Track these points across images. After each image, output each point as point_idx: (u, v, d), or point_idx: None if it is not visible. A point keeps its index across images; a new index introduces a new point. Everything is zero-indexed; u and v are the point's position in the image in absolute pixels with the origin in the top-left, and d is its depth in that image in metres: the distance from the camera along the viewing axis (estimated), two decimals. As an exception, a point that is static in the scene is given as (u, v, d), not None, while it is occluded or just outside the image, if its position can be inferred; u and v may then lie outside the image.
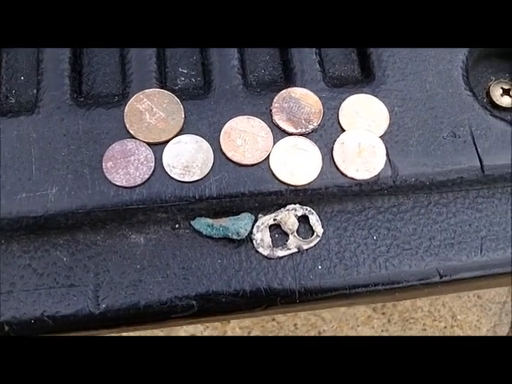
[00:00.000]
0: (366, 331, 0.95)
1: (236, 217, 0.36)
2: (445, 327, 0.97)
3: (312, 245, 0.36)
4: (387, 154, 0.37)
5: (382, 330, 0.96)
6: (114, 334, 0.37)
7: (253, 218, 0.36)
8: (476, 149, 0.37)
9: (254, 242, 0.36)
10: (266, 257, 0.36)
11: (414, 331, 0.96)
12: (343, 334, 0.95)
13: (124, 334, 0.89)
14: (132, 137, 0.36)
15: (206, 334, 0.92)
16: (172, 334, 0.92)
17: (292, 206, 0.36)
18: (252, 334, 0.93)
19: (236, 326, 0.94)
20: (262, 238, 0.36)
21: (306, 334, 0.94)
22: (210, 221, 0.36)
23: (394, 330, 0.96)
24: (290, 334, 0.94)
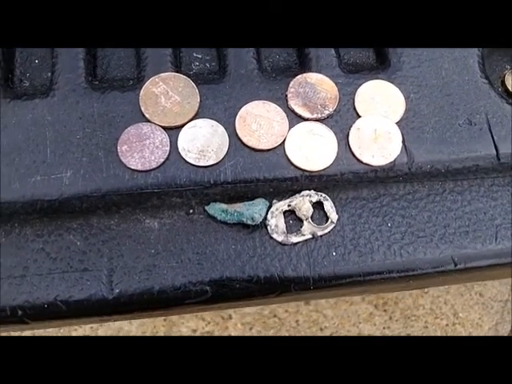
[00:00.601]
0: (367, 328, 0.95)
1: (250, 202, 0.36)
2: (446, 325, 0.97)
3: (326, 231, 0.36)
4: (403, 141, 0.37)
5: (384, 328, 0.95)
6: (127, 319, 0.37)
7: (267, 203, 0.36)
8: (492, 136, 0.37)
9: (269, 227, 0.36)
10: (280, 243, 0.36)
11: (416, 328, 0.96)
12: (345, 331, 0.94)
13: (124, 334, 0.88)
14: (147, 120, 0.36)
15: (207, 329, 0.92)
16: (174, 329, 0.91)
17: (307, 191, 0.36)
18: (253, 330, 0.93)
19: (238, 322, 0.93)
20: (277, 223, 0.36)
21: (308, 331, 0.94)
22: (224, 206, 0.35)
23: (396, 328, 0.96)
24: (292, 331, 0.93)
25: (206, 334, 0.92)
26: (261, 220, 0.35)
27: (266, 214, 0.36)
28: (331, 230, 0.36)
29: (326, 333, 0.95)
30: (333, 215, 0.36)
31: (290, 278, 0.35)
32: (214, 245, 0.35)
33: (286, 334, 0.93)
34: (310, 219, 0.36)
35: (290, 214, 0.36)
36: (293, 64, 0.40)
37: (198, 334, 0.92)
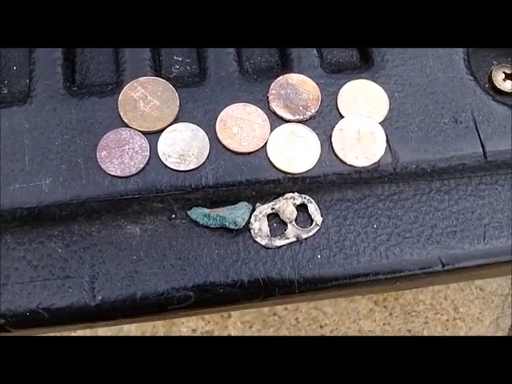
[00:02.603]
0: (367, 325, 0.95)
1: (233, 206, 0.35)
2: (447, 320, 0.96)
3: (311, 234, 0.35)
4: (387, 141, 0.36)
5: (384, 324, 0.95)
6: (110, 326, 0.37)
7: (250, 207, 0.35)
8: (478, 134, 0.37)
9: (252, 231, 0.35)
10: (264, 246, 0.35)
11: (416, 324, 0.95)
12: (345, 328, 0.94)
13: (124, 335, 0.88)
14: (126, 126, 0.35)
15: (207, 328, 0.92)
16: (173, 329, 0.91)
17: (290, 194, 0.36)
18: (253, 329, 0.92)
19: (237, 321, 0.93)
20: (260, 227, 0.35)
21: (308, 328, 0.93)
22: (206, 210, 0.35)
23: (396, 324, 0.95)
24: (292, 329, 0.93)
25: (205, 334, 0.92)
26: (243, 224, 0.35)
27: (250, 217, 0.35)
28: (316, 232, 0.36)
29: (326, 330, 0.94)
30: (317, 217, 0.36)
31: (274, 282, 0.35)
32: (196, 250, 0.35)
33: (286, 332, 0.93)
34: (294, 222, 0.35)
35: (274, 217, 0.36)
36: (275, 65, 0.39)
37: (197, 333, 0.92)
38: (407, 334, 0.95)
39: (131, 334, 0.90)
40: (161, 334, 0.91)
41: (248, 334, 0.92)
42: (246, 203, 0.35)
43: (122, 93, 0.36)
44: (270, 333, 0.93)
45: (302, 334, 0.93)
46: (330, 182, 0.36)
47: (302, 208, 0.36)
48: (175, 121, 0.36)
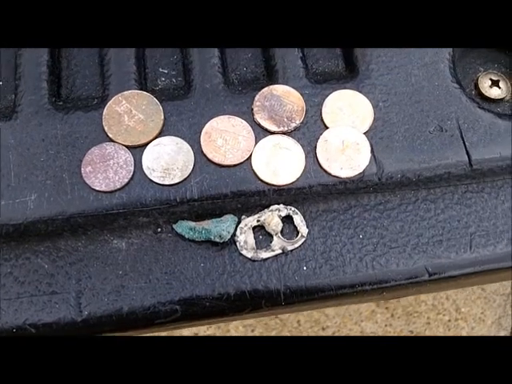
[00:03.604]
0: (369, 326, 0.95)
1: (219, 219, 0.35)
2: (449, 320, 0.96)
3: (297, 245, 0.35)
4: (372, 151, 0.36)
5: (386, 325, 0.95)
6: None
7: (236, 219, 0.35)
8: (464, 143, 0.36)
9: (238, 244, 0.35)
10: (249, 259, 0.35)
11: (418, 325, 0.95)
12: (347, 330, 0.94)
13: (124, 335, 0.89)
14: (111, 140, 0.35)
15: (208, 332, 0.92)
16: (174, 333, 0.91)
17: (276, 206, 0.36)
18: (255, 332, 0.93)
19: (239, 325, 0.93)
20: (246, 239, 0.35)
21: (310, 331, 0.93)
22: (192, 224, 0.35)
23: (398, 325, 0.95)
24: (294, 331, 0.93)
25: (207, 338, 0.92)
26: (229, 237, 0.35)
27: (235, 230, 0.35)
28: (302, 244, 0.36)
29: (328, 332, 0.94)
30: (303, 229, 0.35)
31: (260, 295, 0.35)
32: (182, 263, 0.35)
33: (288, 335, 0.93)
34: (279, 234, 0.35)
35: (260, 230, 0.36)
36: (260, 76, 0.39)
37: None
38: (409, 335, 0.95)
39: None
40: (162, 338, 0.91)
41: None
42: (232, 216, 0.35)
43: (106, 107, 0.36)
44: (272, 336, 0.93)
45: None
46: (316, 193, 0.36)
47: (287, 220, 0.36)
48: (160, 134, 0.36)
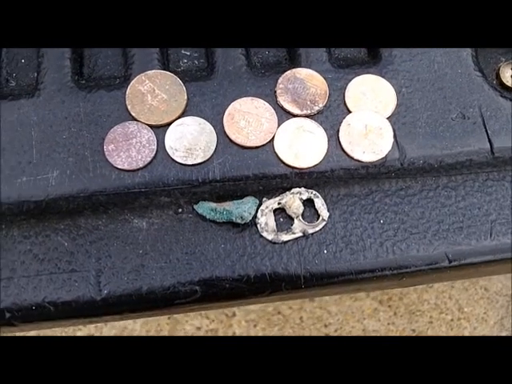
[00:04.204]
0: (372, 324, 0.95)
1: (240, 200, 0.35)
2: (451, 320, 0.96)
3: (317, 229, 0.35)
4: (394, 136, 0.36)
5: (389, 323, 0.95)
6: (115, 320, 0.37)
7: (257, 201, 0.35)
8: (486, 130, 0.36)
9: (259, 226, 0.35)
10: (270, 241, 0.35)
11: (421, 324, 0.95)
12: (349, 327, 0.94)
13: (129, 332, 0.88)
14: (134, 119, 0.35)
15: (211, 327, 0.92)
16: (178, 327, 0.91)
17: (297, 189, 0.36)
18: (258, 327, 0.92)
19: (242, 319, 0.93)
20: (267, 222, 0.35)
21: (312, 327, 0.93)
22: (213, 205, 0.35)
23: (401, 323, 0.95)
24: (296, 327, 0.93)
25: (210, 332, 0.92)
26: (250, 218, 0.35)
27: (256, 212, 0.35)
28: (322, 227, 0.35)
29: (331, 329, 0.94)
30: (324, 213, 0.35)
31: (280, 277, 0.35)
32: (203, 244, 0.35)
33: (290, 331, 0.93)
34: (300, 217, 0.35)
35: (281, 212, 0.36)
36: (282, 59, 0.39)
37: (202, 331, 0.92)
38: (411, 334, 0.95)
39: (135, 332, 0.90)
40: (165, 332, 0.91)
41: (252, 332, 0.92)
42: (253, 198, 0.35)
43: (129, 86, 0.36)
44: (275, 331, 0.93)
45: (306, 332, 0.93)
46: (337, 177, 0.36)
47: (308, 203, 0.36)
48: (183, 114, 0.36)
